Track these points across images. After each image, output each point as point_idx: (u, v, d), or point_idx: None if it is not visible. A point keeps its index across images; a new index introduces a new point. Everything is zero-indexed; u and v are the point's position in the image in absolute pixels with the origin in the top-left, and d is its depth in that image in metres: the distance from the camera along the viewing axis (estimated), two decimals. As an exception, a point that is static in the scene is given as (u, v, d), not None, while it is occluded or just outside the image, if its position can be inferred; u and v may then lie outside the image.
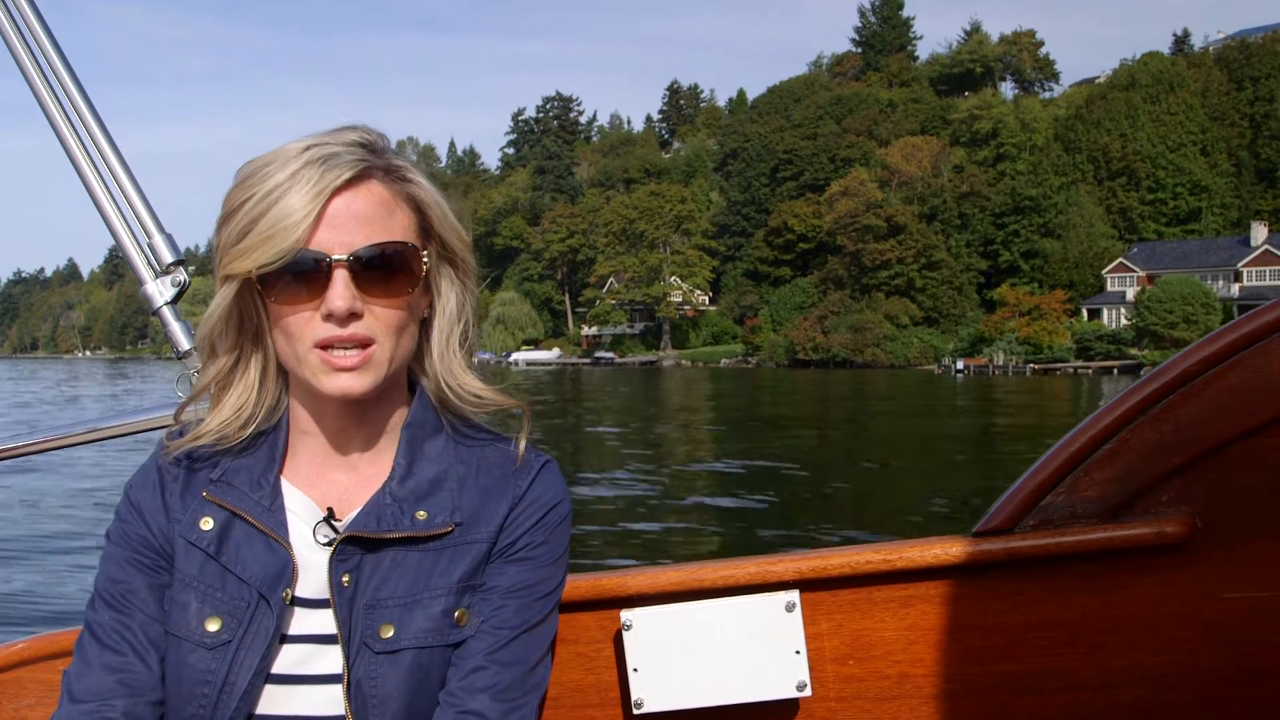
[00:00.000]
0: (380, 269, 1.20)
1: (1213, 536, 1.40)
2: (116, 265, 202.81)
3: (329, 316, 1.19)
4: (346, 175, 1.18)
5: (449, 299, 1.31)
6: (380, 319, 1.22)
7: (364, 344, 1.21)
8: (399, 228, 1.23)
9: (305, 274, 1.18)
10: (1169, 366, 1.38)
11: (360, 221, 1.19)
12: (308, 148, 1.19)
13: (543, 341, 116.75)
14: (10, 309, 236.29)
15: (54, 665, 1.59)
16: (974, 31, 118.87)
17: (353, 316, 1.19)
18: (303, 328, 1.20)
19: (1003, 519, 1.46)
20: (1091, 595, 1.44)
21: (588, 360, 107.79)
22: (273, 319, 1.24)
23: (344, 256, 1.18)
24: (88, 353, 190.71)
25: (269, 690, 1.23)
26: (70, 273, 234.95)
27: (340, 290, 1.18)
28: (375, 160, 1.22)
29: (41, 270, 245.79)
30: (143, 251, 1.83)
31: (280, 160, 1.18)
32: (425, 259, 1.26)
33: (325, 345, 1.20)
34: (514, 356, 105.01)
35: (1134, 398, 1.39)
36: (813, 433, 27.04)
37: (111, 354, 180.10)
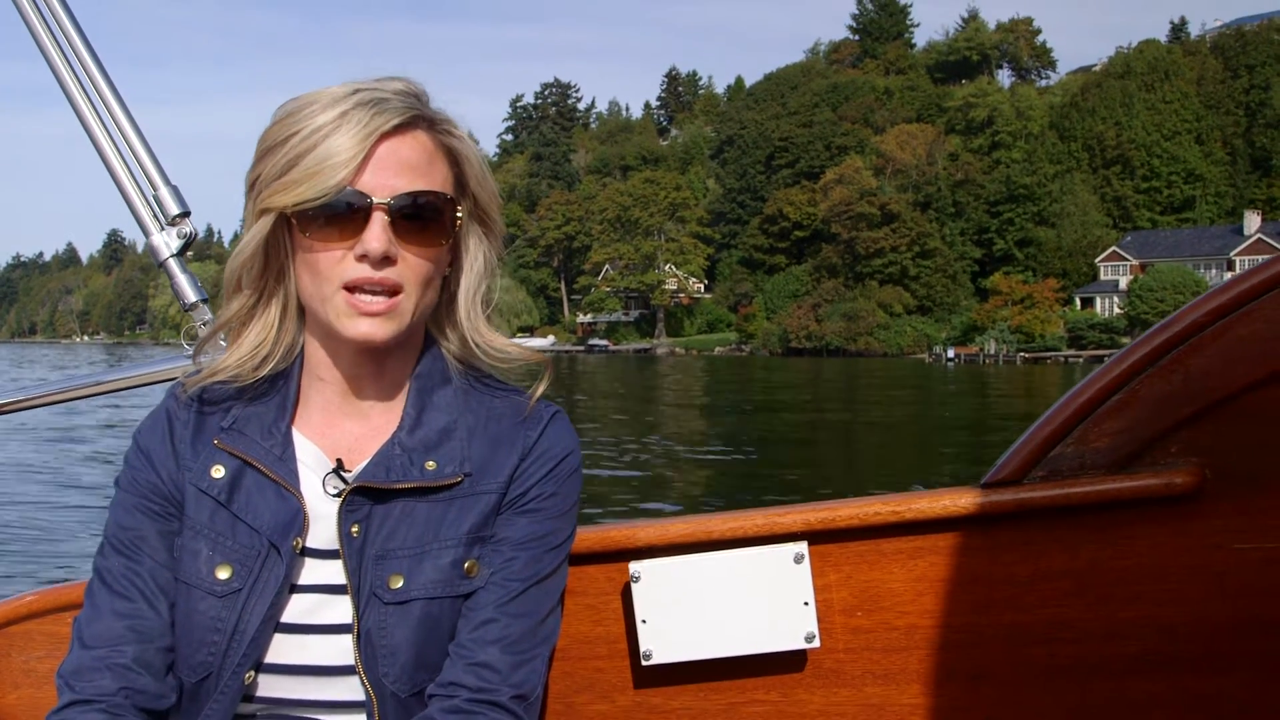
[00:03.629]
0: (417, 218, 1.20)
1: (1222, 487, 1.39)
2: (115, 250, 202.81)
3: (363, 258, 1.19)
4: (396, 120, 1.19)
5: (477, 256, 1.31)
6: (411, 268, 1.21)
7: (393, 291, 1.20)
8: (438, 179, 1.23)
9: (343, 214, 1.18)
10: (1179, 317, 1.37)
11: (404, 168, 1.20)
12: (356, 90, 1.19)
13: (538, 329, 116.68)
14: (9, 293, 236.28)
15: (63, 618, 1.58)
16: (971, 19, 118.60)
17: (386, 261, 1.19)
18: (333, 267, 1.20)
19: (1011, 470, 1.45)
20: (1101, 546, 1.43)
21: (582, 348, 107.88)
22: (301, 256, 1.23)
23: (385, 200, 1.18)
24: (86, 337, 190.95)
25: (280, 639, 1.24)
26: (69, 257, 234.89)
27: (377, 232, 1.18)
28: (423, 110, 1.23)
29: (40, 254, 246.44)
30: (148, 203, 1.80)
31: (326, 100, 1.18)
32: (459, 214, 1.26)
33: (353, 287, 1.20)
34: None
35: (1143, 348, 1.38)
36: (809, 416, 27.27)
37: (110, 339, 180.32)
